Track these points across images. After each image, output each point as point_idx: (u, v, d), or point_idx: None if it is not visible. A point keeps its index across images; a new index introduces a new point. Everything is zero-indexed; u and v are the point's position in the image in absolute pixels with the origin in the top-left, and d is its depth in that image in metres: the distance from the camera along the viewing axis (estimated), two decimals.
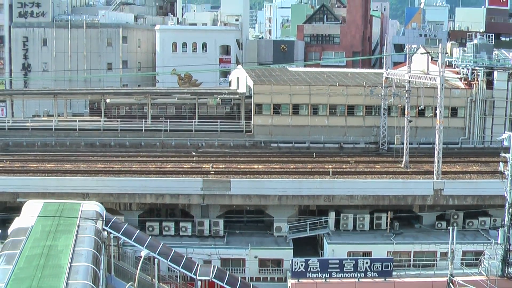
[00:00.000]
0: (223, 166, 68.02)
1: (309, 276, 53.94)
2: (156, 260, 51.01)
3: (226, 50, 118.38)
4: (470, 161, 71.90)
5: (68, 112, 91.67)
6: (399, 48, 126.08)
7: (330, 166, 67.67)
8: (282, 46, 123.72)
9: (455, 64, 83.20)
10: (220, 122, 79.05)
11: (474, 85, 78.40)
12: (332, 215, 62.39)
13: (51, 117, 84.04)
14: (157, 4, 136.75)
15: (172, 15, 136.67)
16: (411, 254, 59.12)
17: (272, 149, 76.72)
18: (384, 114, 75.63)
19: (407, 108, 68.87)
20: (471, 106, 78.49)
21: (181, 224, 61.73)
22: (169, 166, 67.69)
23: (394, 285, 54.00)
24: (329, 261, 54.85)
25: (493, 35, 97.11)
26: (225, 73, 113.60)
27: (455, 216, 63.44)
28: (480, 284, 50.63)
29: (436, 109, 64.97)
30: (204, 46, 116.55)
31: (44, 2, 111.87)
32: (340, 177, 63.73)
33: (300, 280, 53.96)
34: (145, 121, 79.43)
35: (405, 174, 66.26)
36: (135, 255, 54.35)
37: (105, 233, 50.40)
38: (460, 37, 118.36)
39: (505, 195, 52.67)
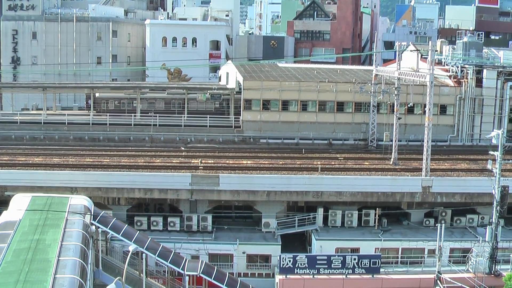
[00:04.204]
0: (212, 161, 67.97)
1: (297, 272, 53.96)
2: (144, 255, 51.02)
3: (216, 45, 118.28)
4: (459, 159, 72.10)
5: (57, 106, 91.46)
6: (389, 45, 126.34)
7: (319, 162, 67.69)
8: (272, 42, 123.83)
9: (444, 62, 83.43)
10: (210, 117, 78.96)
11: (463, 83, 78.56)
12: (320, 211, 62.52)
13: (40, 111, 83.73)
14: None
15: (162, 10, 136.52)
16: (399, 251, 59.22)
17: (261, 145, 76.72)
18: (373, 111, 75.75)
19: (396, 105, 68.95)
20: (460, 104, 78.64)
21: (169, 219, 61.72)
22: (158, 161, 67.61)
23: (381, 282, 54.10)
24: (317, 257, 54.92)
25: (483, 33, 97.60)
26: (215, 69, 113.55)
27: (443, 214, 63.64)
28: (468, 281, 50.80)
29: (425, 106, 65.06)
30: (194, 41, 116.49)
31: None
32: (329, 174, 63.76)
33: (288, 276, 54.00)
34: (134, 116, 79.24)
35: (393, 171, 66.35)
36: (123, 249, 54.34)
37: (93, 227, 50.33)
38: (450, 35, 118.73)
39: (493, 193, 52.89)
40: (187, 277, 52.02)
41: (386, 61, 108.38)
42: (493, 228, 52.95)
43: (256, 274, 59.67)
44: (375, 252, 58.10)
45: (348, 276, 53.97)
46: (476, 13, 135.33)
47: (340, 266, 54.05)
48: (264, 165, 66.69)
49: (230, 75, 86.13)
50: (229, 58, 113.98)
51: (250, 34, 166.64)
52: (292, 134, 77.40)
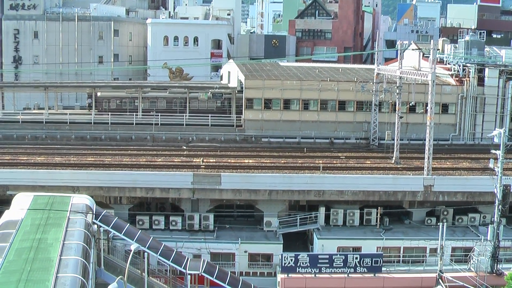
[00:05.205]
0: (214, 160, 67.99)
1: (298, 271, 53.91)
2: (146, 254, 51.04)
3: (217, 44, 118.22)
4: (461, 158, 72.11)
5: (58, 105, 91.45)
6: (390, 44, 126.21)
7: (321, 161, 67.69)
8: (274, 41, 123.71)
9: (446, 61, 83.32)
10: (211, 116, 78.90)
11: (465, 81, 78.54)
12: (322, 210, 62.51)
13: (42, 110, 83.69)
14: None
15: (163, 9, 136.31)
16: (400, 250, 59.22)
17: (263, 143, 76.72)
18: (375, 109, 75.64)
19: (398, 104, 68.93)
20: (462, 102, 78.63)
21: (171, 218, 61.73)
22: (159, 160, 67.64)
23: (383, 281, 54.08)
24: (319, 256, 54.87)
25: (485, 32, 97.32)
26: (217, 68, 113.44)
27: (445, 213, 63.60)
28: (469, 280, 50.77)
29: (427, 105, 65.05)
30: (195, 40, 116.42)
31: None
32: (331, 173, 63.76)
33: (289, 275, 53.95)
34: (136, 115, 79.25)
35: (395, 170, 66.34)
36: (125, 248, 54.31)
37: (95, 226, 50.34)
38: (451, 34, 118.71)
39: (495, 191, 52.84)
40: (189, 276, 52.08)
41: (387, 60, 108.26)
42: (495, 227, 52.88)
43: (258, 273, 59.63)
44: (377, 251, 58.06)
45: (350, 275, 53.94)
46: (478, 11, 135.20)
47: (342, 265, 53.98)
48: (265, 164, 66.71)
49: (232, 74, 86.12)
50: (231, 57, 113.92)
51: (251, 33, 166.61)
52: (294, 133, 77.38)
